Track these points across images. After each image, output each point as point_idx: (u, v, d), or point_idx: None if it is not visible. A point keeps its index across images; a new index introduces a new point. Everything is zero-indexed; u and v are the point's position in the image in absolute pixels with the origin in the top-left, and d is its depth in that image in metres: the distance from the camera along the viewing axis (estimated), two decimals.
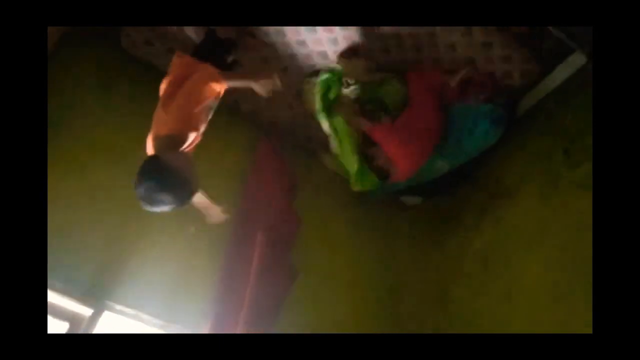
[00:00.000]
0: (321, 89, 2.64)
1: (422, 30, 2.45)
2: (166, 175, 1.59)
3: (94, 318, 2.16)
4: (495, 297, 2.32)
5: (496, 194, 2.63)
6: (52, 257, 1.80)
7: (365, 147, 2.71)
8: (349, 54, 2.61)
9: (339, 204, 3.11)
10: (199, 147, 2.01)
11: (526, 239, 2.34)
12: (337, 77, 2.64)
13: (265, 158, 2.83)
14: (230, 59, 2.35)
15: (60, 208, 2.14)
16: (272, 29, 2.55)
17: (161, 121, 1.84)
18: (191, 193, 1.68)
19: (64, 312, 2.16)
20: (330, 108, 2.65)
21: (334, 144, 2.76)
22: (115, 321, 2.25)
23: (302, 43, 2.62)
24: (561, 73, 2.50)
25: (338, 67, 2.63)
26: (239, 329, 2.17)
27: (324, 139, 3.01)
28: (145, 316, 2.27)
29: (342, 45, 2.60)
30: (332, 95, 2.64)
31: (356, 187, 2.78)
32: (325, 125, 2.72)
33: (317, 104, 2.66)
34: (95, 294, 2.19)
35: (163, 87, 2.00)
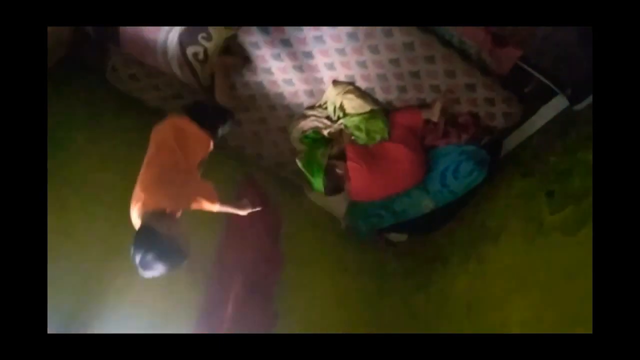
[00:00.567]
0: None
1: (406, 69, 2.49)
2: (160, 248, 1.66)
3: None
4: None
5: (481, 234, 2.62)
6: None
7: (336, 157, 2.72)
8: (342, 83, 2.64)
9: (324, 240, 3.09)
10: None
11: (511, 282, 2.31)
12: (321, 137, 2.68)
13: (249, 194, 2.80)
14: (221, 130, 2.36)
15: None
16: (259, 67, 2.58)
17: (150, 190, 1.83)
18: (184, 259, 1.74)
19: None
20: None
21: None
22: None
23: (289, 81, 2.64)
24: (544, 115, 2.54)
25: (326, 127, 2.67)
26: None
27: None
28: None
29: (328, 84, 2.63)
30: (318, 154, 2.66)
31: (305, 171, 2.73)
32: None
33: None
34: (72, 331, 2.14)
35: (155, 142, 1.99)
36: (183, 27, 2.27)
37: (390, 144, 2.61)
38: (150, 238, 1.67)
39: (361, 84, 2.61)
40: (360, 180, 2.58)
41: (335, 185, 2.62)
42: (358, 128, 2.63)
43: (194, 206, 1.97)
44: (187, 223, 2.01)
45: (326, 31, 2.40)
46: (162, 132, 2.01)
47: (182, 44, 2.29)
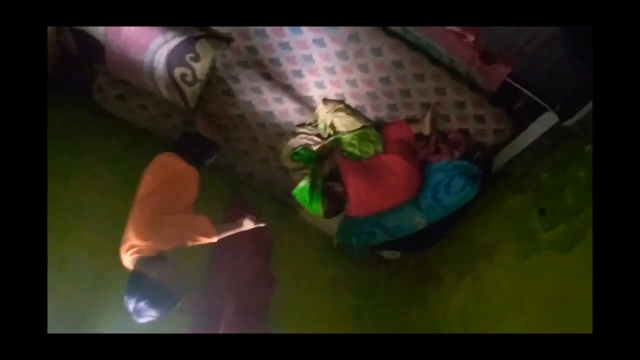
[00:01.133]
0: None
1: (396, 87, 2.48)
2: (152, 295, 1.69)
3: None
4: None
5: (475, 251, 2.60)
6: None
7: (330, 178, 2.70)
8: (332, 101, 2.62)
9: (317, 259, 3.05)
10: None
11: (506, 299, 2.29)
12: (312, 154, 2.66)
13: (239, 215, 2.75)
14: (207, 162, 2.39)
15: None
16: (248, 87, 2.56)
17: (143, 235, 1.83)
18: (177, 302, 1.77)
19: None
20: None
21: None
22: None
23: (279, 100, 2.62)
24: (534, 131, 2.54)
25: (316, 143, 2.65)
26: None
27: None
28: None
29: (318, 102, 2.61)
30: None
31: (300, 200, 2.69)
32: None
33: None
34: None
35: (145, 185, 1.99)
36: (170, 48, 2.24)
37: (385, 156, 2.59)
38: (143, 285, 1.70)
39: (351, 102, 2.59)
40: (359, 195, 2.55)
41: (336, 206, 2.58)
42: (351, 145, 2.61)
43: (190, 244, 1.96)
44: (174, 250, 1.99)
45: (315, 50, 2.39)
46: (152, 174, 2.01)
47: (169, 64, 2.27)
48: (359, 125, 2.62)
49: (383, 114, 2.61)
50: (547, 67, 2.34)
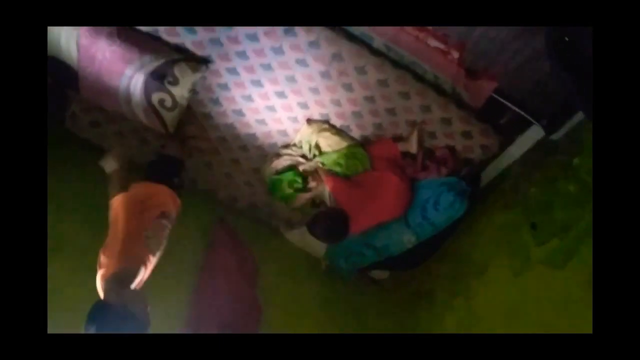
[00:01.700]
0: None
1: (381, 106, 2.44)
2: (115, 324, 1.60)
3: None
4: None
5: (467, 269, 2.56)
6: None
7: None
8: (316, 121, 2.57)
9: (305, 282, 2.96)
10: None
11: (500, 318, 2.25)
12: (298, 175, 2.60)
13: (223, 242, 2.67)
14: (177, 181, 2.31)
15: None
16: (229, 109, 2.48)
17: (107, 254, 1.79)
18: (144, 329, 1.67)
19: None
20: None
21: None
22: None
23: (262, 122, 2.55)
24: (521, 145, 2.53)
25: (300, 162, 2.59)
26: None
27: (287, 215, 2.91)
28: None
29: (303, 122, 2.55)
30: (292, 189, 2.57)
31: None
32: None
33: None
34: None
35: (116, 209, 1.92)
36: (147, 72, 2.15)
37: (377, 172, 2.54)
38: (104, 313, 1.62)
39: (336, 122, 2.54)
40: (350, 211, 2.49)
41: (343, 224, 2.49)
42: (338, 164, 2.55)
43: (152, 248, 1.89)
44: (157, 279, 1.94)
45: (298, 70, 2.33)
46: (116, 205, 1.93)
47: (147, 90, 2.18)
48: (344, 144, 2.56)
49: (369, 132, 2.56)
50: (532, 81, 2.32)
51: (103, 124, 2.52)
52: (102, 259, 1.78)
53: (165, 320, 2.21)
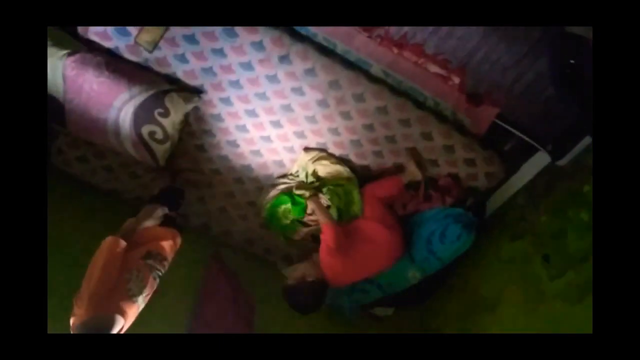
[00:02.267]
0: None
1: (381, 134, 2.35)
2: None
3: None
4: None
5: (475, 304, 2.42)
6: None
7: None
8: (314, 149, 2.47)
9: (303, 322, 2.79)
10: None
11: None
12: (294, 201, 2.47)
13: (217, 280, 2.54)
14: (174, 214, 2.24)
15: None
16: (223, 140, 2.39)
17: (78, 303, 1.68)
18: None
19: None
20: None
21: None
22: None
23: (257, 152, 2.45)
24: (527, 172, 2.44)
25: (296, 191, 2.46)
26: None
27: (284, 250, 2.78)
28: None
29: (299, 152, 2.46)
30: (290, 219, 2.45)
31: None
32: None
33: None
34: None
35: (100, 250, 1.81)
36: (136, 104, 2.07)
37: (363, 222, 2.40)
38: None
39: (335, 151, 2.44)
40: (333, 270, 2.33)
41: (319, 296, 2.33)
42: (337, 195, 2.43)
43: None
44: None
45: (294, 99, 2.26)
46: (101, 246, 1.81)
47: (136, 122, 2.09)
48: (343, 173, 2.45)
49: (368, 161, 2.46)
50: (536, 106, 2.25)
51: (91, 159, 2.42)
52: (75, 308, 1.67)
53: None
